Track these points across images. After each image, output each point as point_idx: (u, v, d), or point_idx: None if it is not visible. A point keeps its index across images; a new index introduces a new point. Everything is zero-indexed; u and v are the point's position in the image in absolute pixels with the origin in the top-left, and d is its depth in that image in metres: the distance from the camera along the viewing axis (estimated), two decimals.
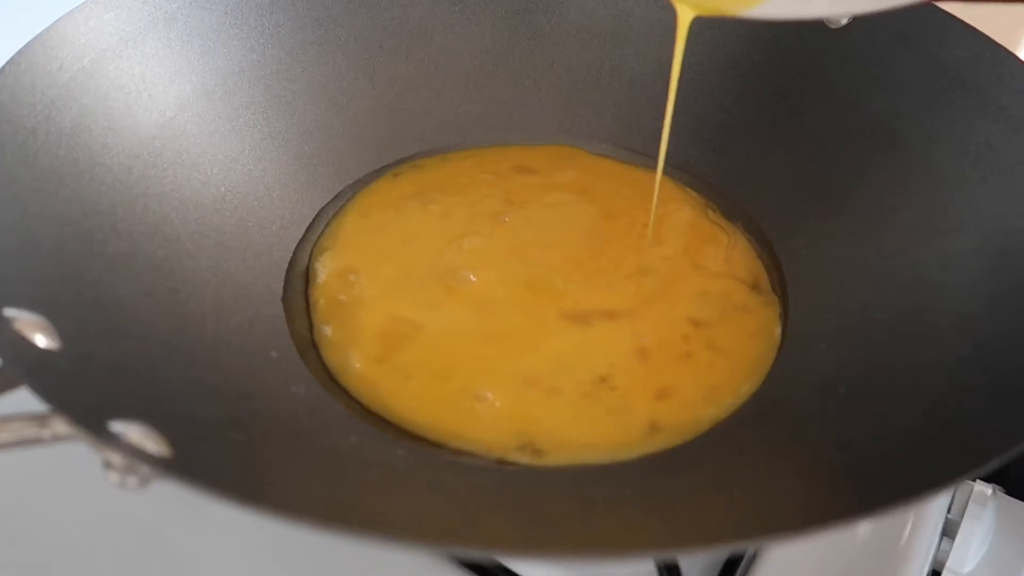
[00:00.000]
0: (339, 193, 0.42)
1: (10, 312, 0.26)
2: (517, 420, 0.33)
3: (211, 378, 0.31)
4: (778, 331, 0.36)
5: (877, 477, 0.27)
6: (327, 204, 0.41)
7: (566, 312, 0.36)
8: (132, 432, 0.23)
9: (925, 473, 0.25)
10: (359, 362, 0.35)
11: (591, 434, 0.32)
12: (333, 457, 0.30)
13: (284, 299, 0.37)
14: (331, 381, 0.34)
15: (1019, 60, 0.37)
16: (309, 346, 0.35)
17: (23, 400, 0.24)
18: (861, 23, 0.41)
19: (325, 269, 0.38)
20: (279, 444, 0.29)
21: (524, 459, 0.32)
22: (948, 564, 0.34)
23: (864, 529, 0.35)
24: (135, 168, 0.36)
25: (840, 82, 0.42)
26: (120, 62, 0.37)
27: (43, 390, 0.23)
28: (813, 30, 0.42)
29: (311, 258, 0.39)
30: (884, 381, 0.32)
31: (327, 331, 0.36)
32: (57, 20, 0.35)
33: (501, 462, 0.32)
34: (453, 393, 0.34)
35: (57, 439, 0.23)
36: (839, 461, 0.29)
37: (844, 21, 0.42)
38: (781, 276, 0.39)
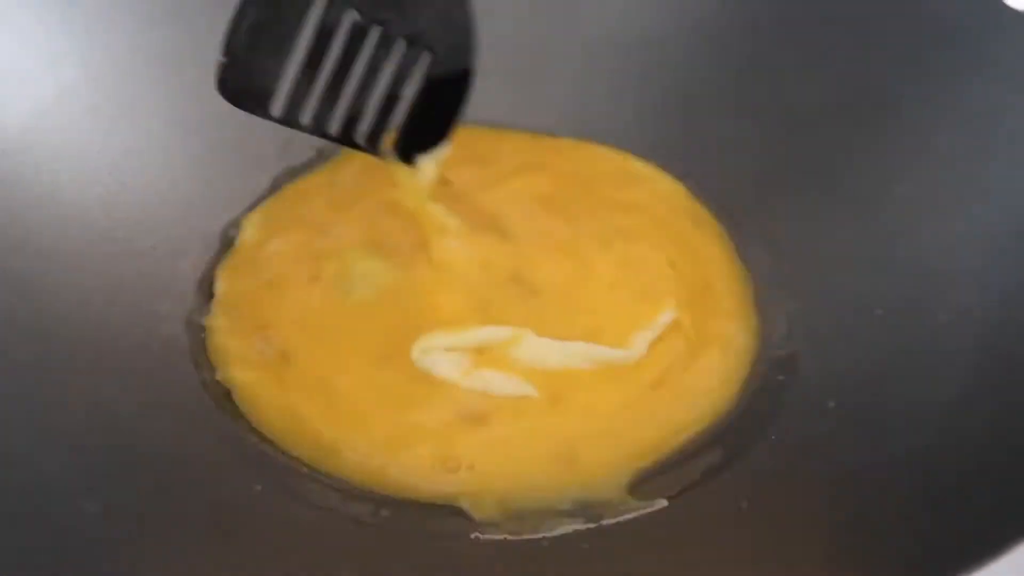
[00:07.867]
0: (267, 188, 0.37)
1: None
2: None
3: (83, 429, 0.26)
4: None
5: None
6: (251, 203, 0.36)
7: None
8: None
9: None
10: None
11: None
12: None
13: (190, 319, 0.32)
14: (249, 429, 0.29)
15: (1014, 9, 0.32)
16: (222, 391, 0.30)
17: None
18: None
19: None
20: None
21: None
22: None
23: None
24: None
25: (818, 45, 0.37)
26: None
27: None
28: None
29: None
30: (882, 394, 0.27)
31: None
32: None
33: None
34: None
35: None
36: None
37: None
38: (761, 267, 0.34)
